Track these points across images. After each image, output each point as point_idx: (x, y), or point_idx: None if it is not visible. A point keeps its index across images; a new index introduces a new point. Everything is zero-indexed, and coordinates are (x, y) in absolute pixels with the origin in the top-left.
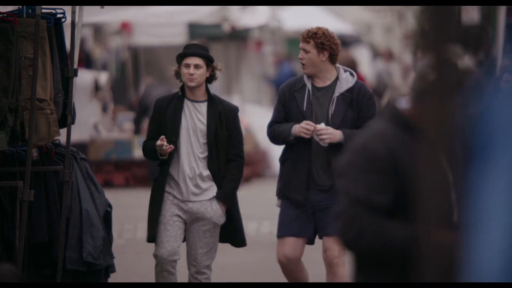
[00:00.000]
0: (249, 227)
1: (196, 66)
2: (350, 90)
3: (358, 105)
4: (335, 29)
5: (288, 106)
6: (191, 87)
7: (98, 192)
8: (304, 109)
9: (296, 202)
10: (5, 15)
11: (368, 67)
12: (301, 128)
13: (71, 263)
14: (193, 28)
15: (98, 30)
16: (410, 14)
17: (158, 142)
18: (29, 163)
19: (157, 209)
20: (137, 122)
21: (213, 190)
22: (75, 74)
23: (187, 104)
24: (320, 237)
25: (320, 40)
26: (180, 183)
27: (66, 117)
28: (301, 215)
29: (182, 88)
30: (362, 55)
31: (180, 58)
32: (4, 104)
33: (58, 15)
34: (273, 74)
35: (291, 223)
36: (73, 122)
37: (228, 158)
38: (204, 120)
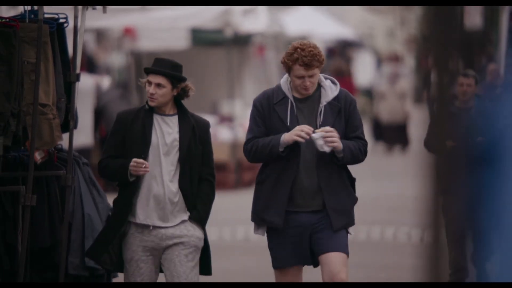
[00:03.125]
0: (251, 231)
1: (158, 85)
2: (336, 99)
3: (346, 114)
4: (337, 33)
5: (268, 121)
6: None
7: (100, 197)
8: (288, 123)
9: (273, 226)
10: (7, 20)
11: (371, 72)
12: (296, 131)
13: (73, 268)
14: (196, 33)
15: (101, 35)
16: (413, 18)
17: (133, 163)
18: (31, 168)
19: (115, 232)
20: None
21: (183, 213)
22: (77, 79)
23: (156, 118)
24: (319, 255)
25: (322, 57)
26: (147, 206)
27: (68, 122)
28: (295, 241)
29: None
30: (365, 60)
31: (146, 73)
32: (6, 109)
33: (61, 20)
34: (278, 79)
35: (287, 251)
36: (75, 127)
37: (201, 177)
38: (176, 134)
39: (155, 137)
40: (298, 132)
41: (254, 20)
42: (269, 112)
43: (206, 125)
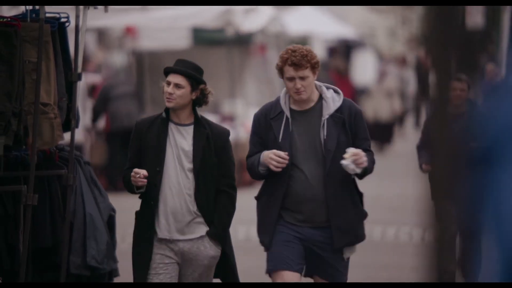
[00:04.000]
0: (253, 232)
1: (177, 86)
2: (339, 110)
3: (351, 126)
4: (338, 33)
5: (265, 137)
6: (170, 108)
7: (102, 196)
8: (280, 139)
9: (263, 244)
10: (8, 19)
11: (372, 71)
12: (270, 157)
13: (75, 268)
14: (197, 33)
15: (102, 34)
16: (414, 17)
17: (132, 173)
18: (32, 167)
19: (145, 250)
20: (95, 114)
21: (202, 226)
22: (79, 78)
23: (171, 128)
24: (307, 275)
25: (314, 59)
26: (165, 219)
27: (69, 121)
28: (293, 249)
29: (167, 109)
30: (366, 60)
31: (165, 74)
32: (7, 109)
33: (62, 19)
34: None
35: (283, 255)
36: (77, 126)
37: (219, 188)
38: (190, 145)
39: (170, 148)
40: (270, 161)
41: (255, 20)
42: (265, 128)
43: (223, 135)
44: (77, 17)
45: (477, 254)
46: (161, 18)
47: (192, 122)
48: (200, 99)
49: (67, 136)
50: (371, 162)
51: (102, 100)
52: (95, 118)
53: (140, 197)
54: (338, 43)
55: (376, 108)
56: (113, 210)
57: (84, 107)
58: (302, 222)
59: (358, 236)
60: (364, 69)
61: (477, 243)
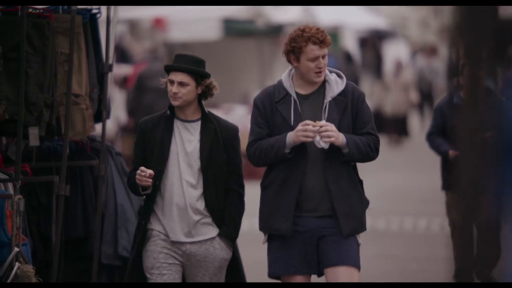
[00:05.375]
0: (248, 222)
1: (181, 84)
2: (342, 94)
3: (354, 109)
4: (369, 23)
5: (271, 121)
6: (178, 106)
7: None
8: (292, 123)
9: (280, 233)
10: (41, 10)
11: (405, 62)
12: (300, 132)
13: (106, 258)
14: (228, 24)
15: (134, 25)
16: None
17: (137, 176)
18: (64, 158)
19: (149, 251)
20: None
21: (210, 228)
22: (110, 70)
23: (177, 125)
24: (327, 267)
25: (329, 38)
26: (170, 220)
27: (101, 112)
28: (300, 250)
29: (171, 106)
30: (397, 50)
31: (167, 71)
32: (40, 100)
33: (94, 11)
34: None
35: (288, 258)
36: (108, 117)
37: (228, 187)
38: (197, 142)
39: (175, 145)
40: (303, 133)
41: (285, 11)
42: (271, 112)
43: (232, 131)
44: (108, 8)
45: (498, 247)
46: (191, 9)
47: (199, 118)
48: (206, 93)
49: (98, 127)
50: (365, 145)
51: (138, 91)
52: (132, 110)
53: (144, 199)
54: (369, 34)
55: (393, 101)
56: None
57: (113, 98)
58: (306, 212)
59: (362, 224)
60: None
61: (498, 237)
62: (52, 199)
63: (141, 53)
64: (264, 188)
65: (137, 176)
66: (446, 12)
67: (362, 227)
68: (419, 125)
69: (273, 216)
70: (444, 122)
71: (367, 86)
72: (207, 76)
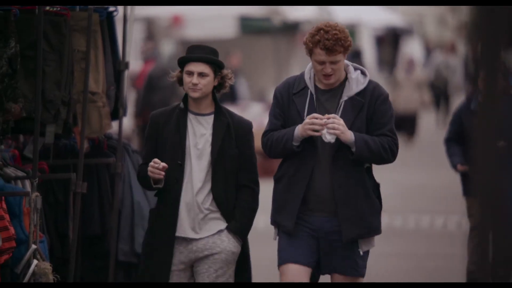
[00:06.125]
0: (265, 220)
1: (201, 74)
2: (361, 93)
3: (370, 110)
4: (386, 21)
5: (287, 112)
6: (195, 98)
7: None
8: (305, 117)
9: (284, 230)
10: (58, 8)
11: (421, 60)
12: (307, 125)
13: (123, 255)
14: (244, 21)
15: (151, 24)
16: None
17: (150, 167)
18: (81, 155)
19: (165, 254)
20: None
21: (219, 222)
22: (127, 67)
23: (190, 119)
24: (324, 273)
25: (348, 42)
26: (179, 216)
27: (118, 110)
28: (303, 242)
29: (185, 99)
30: (414, 48)
31: (182, 63)
32: (57, 97)
33: (110, 9)
34: None
35: (292, 248)
36: (125, 115)
37: (240, 183)
38: (209, 136)
39: (187, 140)
40: (310, 126)
41: (302, 8)
42: (288, 103)
43: (246, 126)
44: (125, 6)
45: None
46: (208, 7)
47: (212, 111)
48: (221, 84)
49: (115, 124)
50: (378, 145)
51: (148, 90)
52: (141, 108)
53: (156, 195)
54: (386, 31)
55: (404, 99)
56: None
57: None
58: (312, 211)
59: (371, 228)
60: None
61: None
62: (69, 196)
63: (147, 50)
64: (276, 181)
65: (149, 168)
66: (464, 9)
67: (370, 231)
68: (434, 123)
69: (281, 212)
70: (461, 128)
71: (382, 84)
72: (224, 66)
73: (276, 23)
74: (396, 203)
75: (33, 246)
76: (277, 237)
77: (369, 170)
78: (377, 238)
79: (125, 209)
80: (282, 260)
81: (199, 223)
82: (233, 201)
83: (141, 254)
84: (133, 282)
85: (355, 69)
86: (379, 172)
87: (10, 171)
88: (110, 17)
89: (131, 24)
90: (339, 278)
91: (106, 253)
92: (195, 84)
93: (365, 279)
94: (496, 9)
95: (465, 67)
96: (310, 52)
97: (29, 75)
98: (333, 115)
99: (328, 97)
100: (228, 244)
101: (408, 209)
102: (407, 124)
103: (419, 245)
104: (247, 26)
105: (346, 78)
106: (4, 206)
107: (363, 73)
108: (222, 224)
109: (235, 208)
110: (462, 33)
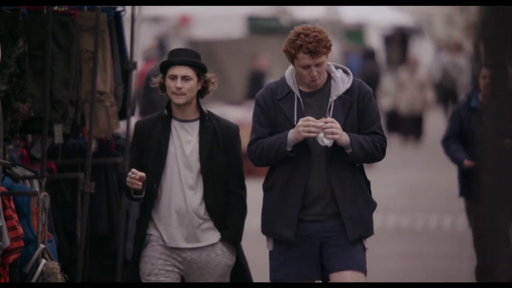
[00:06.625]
0: (254, 220)
1: (185, 78)
2: (348, 92)
3: (359, 108)
4: (394, 20)
5: (274, 119)
6: (179, 104)
7: None
8: (295, 122)
9: (283, 239)
10: (66, 8)
11: (430, 60)
12: (301, 127)
13: (131, 254)
14: (252, 21)
15: (158, 23)
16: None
17: (128, 178)
18: (89, 155)
19: (149, 259)
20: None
21: (212, 233)
22: (135, 67)
23: (174, 126)
24: (331, 272)
25: (329, 42)
26: (170, 226)
27: (125, 110)
28: (303, 254)
29: (169, 105)
30: (423, 48)
31: (164, 68)
32: (65, 97)
33: (118, 9)
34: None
35: (292, 263)
36: (132, 114)
37: (229, 189)
38: (196, 143)
39: (173, 147)
40: (305, 128)
41: (310, 8)
42: (273, 109)
43: (233, 131)
44: (133, 6)
45: None
46: (216, 6)
47: (197, 117)
48: (205, 89)
49: (123, 124)
50: (371, 145)
51: (147, 90)
52: (144, 108)
53: (141, 204)
54: (394, 31)
55: (408, 99)
56: None
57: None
58: (310, 216)
59: (369, 229)
60: (421, 57)
61: None
62: (77, 196)
63: (150, 50)
64: (266, 190)
65: (127, 179)
66: (472, 9)
67: (369, 231)
68: (442, 123)
69: (276, 221)
70: (461, 126)
71: (390, 83)
72: (207, 70)
73: (284, 23)
74: (404, 203)
75: (42, 246)
76: (273, 250)
77: (362, 169)
78: (385, 237)
79: (133, 208)
80: (280, 276)
81: (193, 232)
82: (224, 208)
83: (129, 262)
84: (140, 282)
85: (336, 67)
86: (387, 172)
87: (19, 170)
88: (118, 17)
89: (139, 24)
90: (346, 275)
91: (114, 252)
92: (179, 88)
93: (372, 279)
94: (504, 8)
95: (472, 66)
96: (293, 58)
97: (37, 75)
98: (330, 119)
99: (315, 99)
100: (223, 257)
101: (416, 209)
102: (412, 125)
103: (427, 245)
104: (255, 26)
105: (330, 78)
106: (13, 205)
107: (345, 71)
108: (215, 236)
109: (227, 217)
110: (470, 33)
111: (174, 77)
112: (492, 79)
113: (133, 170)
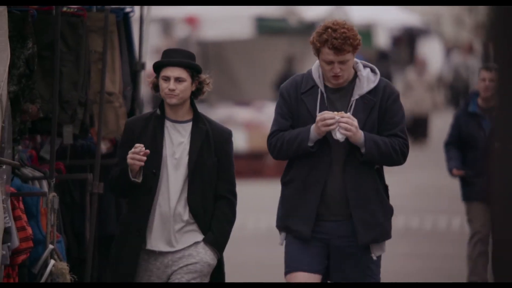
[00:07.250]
0: (263, 221)
1: (178, 79)
2: (372, 92)
3: (382, 109)
4: (403, 21)
5: (296, 112)
6: (172, 105)
7: None
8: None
9: (299, 236)
10: (75, 9)
11: (440, 60)
12: (319, 122)
13: None
14: (260, 22)
15: (166, 24)
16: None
17: (130, 154)
18: (98, 155)
19: (129, 265)
20: None
21: (195, 234)
22: (143, 68)
23: (167, 126)
24: (335, 280)
25: (357, 40)
26: (154, 228)
27: (134, 110)
28: (311, 249)
29: (162, 105)
30: (432, 48)
31: (158, 68)
32: (74, 98)
33: (127, 9)
34: None
35: (301, 256)
36: None
37: (219, 194)
38: (187, 144)
39: (164, 148)
40: (322, 122)
41: (318, 8)
42: (296, 102)
43: (225, 135)
44: (141, 7)
45: None
46: (224, 7)
47: (190, 118)
48: (199, 90)
49: None
50: (389, 147)
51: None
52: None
53: (127, 203)
54: (402, 32)
55: (415, 100)
56: None
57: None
58: (323, 215)
59: (384, 233)
60: (430, 58)
61: None
62: (85, 196)
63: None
64: (284, 184)
65: (129, 155)
66: (481, 9)
67: (383, 235)
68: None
69: (292, 217)
70: (460, 131)
71: (399, 84)
72: (201, 71)
73: (292, 23)
74: (413, 204)
75: (50, 246)
76: (284, 242)
77: (380, 172)
78: (394, 239)
79: None
80: (291, 269)
81: (175, 235)
82: (211, 212)
83: (108, 264)
84: (149, 282)
85: (365, 66)
86: (396, 173)
87: (28, 171)
88: (126, 18)
89: (147, 24)
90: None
91: None
92: (172, 90)
93: (382, 280)
94: None
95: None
96: (318, 52)
97: (46, 76)
98: (347, 114)
99: (338, 96)
100: (204, 255)
101: (425, 209)
102: (417, 126)
103: (436, 246)
104: (263, 27)
105: (355, 76)
106: (22, 206)
107: (373, 71)
108: (199, 236)
109: (212, 220)
110: (479, 33)
111: (167, 78)
112: (501, 79)
113: (137, 144)
